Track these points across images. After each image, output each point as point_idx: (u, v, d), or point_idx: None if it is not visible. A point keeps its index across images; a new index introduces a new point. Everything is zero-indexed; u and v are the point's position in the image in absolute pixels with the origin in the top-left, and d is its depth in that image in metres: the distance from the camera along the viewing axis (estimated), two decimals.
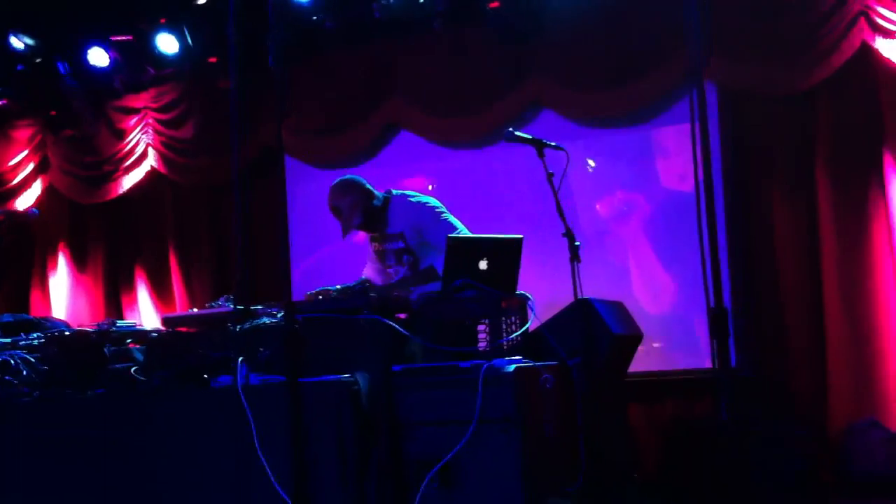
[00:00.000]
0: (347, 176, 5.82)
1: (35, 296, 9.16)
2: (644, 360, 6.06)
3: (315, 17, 7.67)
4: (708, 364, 6.69)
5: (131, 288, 8.85)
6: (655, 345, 6.95)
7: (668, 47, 6.70)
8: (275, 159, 8.09)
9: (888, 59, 6.26)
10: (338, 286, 5.25)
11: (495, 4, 7.28)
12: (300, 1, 7.50)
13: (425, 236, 5.49)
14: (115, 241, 9.04)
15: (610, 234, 7.34)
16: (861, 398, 6.41)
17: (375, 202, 5.64)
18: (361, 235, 5.92)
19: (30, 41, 8.37)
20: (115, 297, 8.93)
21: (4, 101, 8.96)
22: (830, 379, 6.50)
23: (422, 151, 7.90)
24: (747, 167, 6.91)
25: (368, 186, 5.67)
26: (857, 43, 6.30)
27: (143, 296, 8.79)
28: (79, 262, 9.12)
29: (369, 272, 5.82)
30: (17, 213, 8.39)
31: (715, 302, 3.10)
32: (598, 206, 7.36)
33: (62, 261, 9.15)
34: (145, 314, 8.70)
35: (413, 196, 5.68)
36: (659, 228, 7.17)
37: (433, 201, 5.64)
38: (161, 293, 8.73)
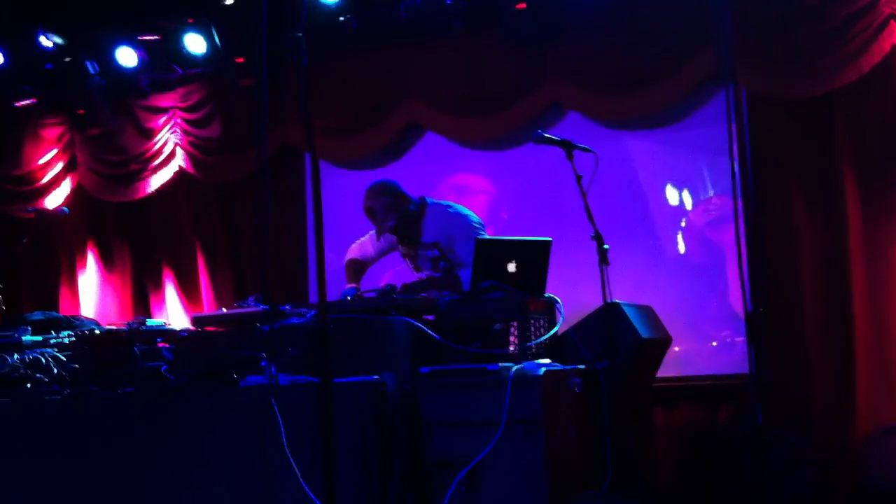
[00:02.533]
0: (383, 178, 5.86)
1: (64, 294, 9.21)
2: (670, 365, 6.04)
3: (341, 18, 7.71)
4: (726, 370, 6.79)
5: (159, 286, 8.90)
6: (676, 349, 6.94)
7: (691, 49, 6.70)
8: (294, 157, 8.17)
9: None
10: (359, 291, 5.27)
11: (521, 6, 7.28)
12: (326, 1, 7.51)
13: (455, 247, 5.49)
14: (143, 240, 9.08)
15: (640, 236, 7.31)
16: (886, 406, 6.35)
17: (411, 206, 5.65)
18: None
19: (59, 40, 8.44)
20: (143, 294, 8.98)
21: (34, 100, 9.02)
22: (856, 386, 6.42)
23: (448, 153, 7.90)
24: (772, 171, 6.85)
25: (403, 190, 5.69)
26: (886, 46, 6.25)
27: (171, 293, 8.84)
28: (107, 261, 9.18)
29: (356, 253, 5.83)
30: (47, 211, 8.47)
31: (752, 305, 3.08)
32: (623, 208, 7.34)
33: (91, 259, 9.20)
34: (173, 312, 8.75)
35: (451, 207, 5.68)
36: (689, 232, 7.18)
37: (471, 215, 5.64)
38: (188, 291, 8.77)
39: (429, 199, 5.74)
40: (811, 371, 6.60)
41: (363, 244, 6.16)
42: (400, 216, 5.61)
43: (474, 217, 5.67)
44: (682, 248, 7.21)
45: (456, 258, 5.55)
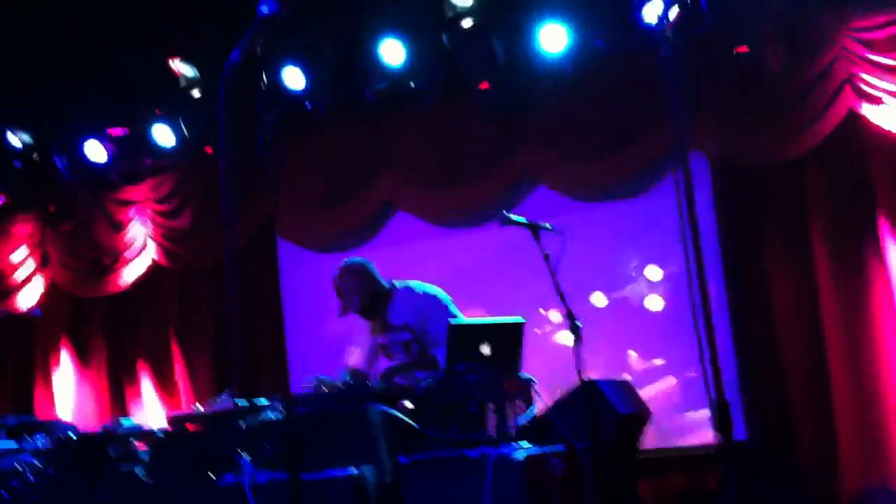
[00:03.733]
0: (357, 259, 5.85)
1: (39, 392, 9.10)
2: (652, 437, 6.02)
3: (308, 103, 7.77)
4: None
5: (134, 380, 8.81)
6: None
7: (656, 118, 6.79)
8: (269, 238, 8.17)
9: (875, 125, 6.32)
10: (325, 377, 5.21)
11: (485, 86, 7.39)
12: (292, 88, 7.57)
13: (428, 327, 5.48)
14: (117, 333, 9.02)
15: (610, 309, 7.35)
16: (870, 462, 6.35)
17: (379, 289, 5.64)
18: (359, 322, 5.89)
19: (27, 138, 8.46)
20: (119, 389, 8.88)
21: (3, 198, 9.01)
22: (838, 444, 6.44)
23: (420, 233, 7.92)
24: (743, 235, 6.93)
25: (375, 274, 5.68)
26: (843, 110, 6.37)
27: (147, 387, 8.75)
28: (81, 356, 9.10)
29: (356, 361, 5.77)
30: (18, 313, 8.40)
31: (717, 394, 3.06)
32: (596, 283, 7.37)
33: (65, 355, 9.11)
34: (150, 406, 8.66)
35: (418, 287, 5.68)
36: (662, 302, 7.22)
37: (440, 293, 5.63)
38: (164, 383, 8.69)
39: (397, 283, 5.74)
40: (798, 431, 6.64)
41: (357, 341, 6.03)
42: (367, 298, 5.60)
43: (442, 294, 5.66)
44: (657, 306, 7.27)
45: (430, 338, 5.52)
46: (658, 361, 7.16)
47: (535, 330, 7.28)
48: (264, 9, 3.48)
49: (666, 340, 7.05)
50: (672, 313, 7.06)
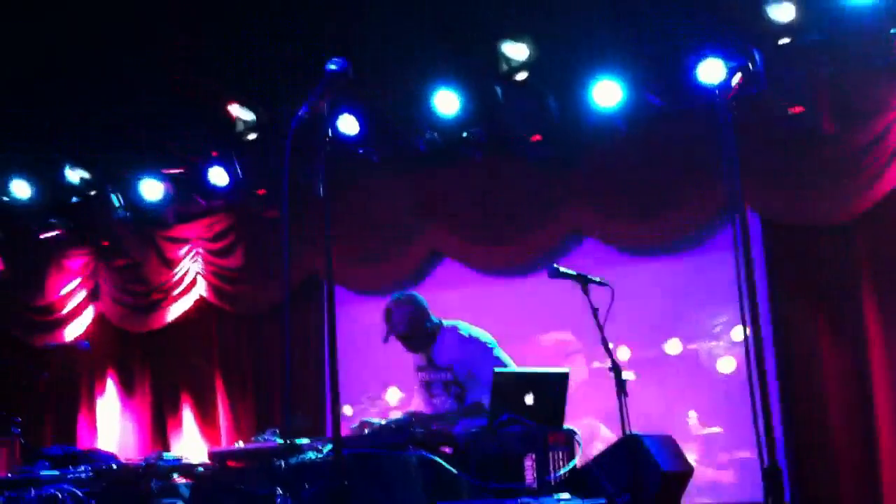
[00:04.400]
0: (411, 291, 5.91)
1: (82, 421, 9.23)
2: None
3: (361, 150, 7.87)
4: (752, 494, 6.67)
5: (177, 412, 8.91)
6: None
7: (705, 178, 6.79)
8: (318, 286, 8.23)
9: None
10: (382, 420, 5.25)
11: (537, 138, 7.43)
12: (347, 134, 7.68)
13: (474, 370, 5.48)
14: (162, 367, 9.15)
15: (654, 365, 7.30)
16: None
17: (428, 323, 5.66)
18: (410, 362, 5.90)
19: (84, 174, 8.64)
20: (162, 421, 8.99)
21: (59, 231, 9.19)
22: None
23: (464, 279, 7.96)
24: (793, 294, 6.87)
25: (426, 307, 5.71)
26: None
27: (189, 420, 8.83)
28: (126, 387, 9.24)
29: (417, 405, 5.81)
30: (67, 346, 8.53)
31: (769, 461, 3.01)
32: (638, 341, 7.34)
33: (110, 385, 9.27)
34: (190, 439, 8.72)
35: (464, 329, 5.69)
36: (700, 360, 7.15)
37: (485, 336, 5.64)
38: (206, 418, 8.78)
39: (445, 322, 5.76)
40: (840, 499, 6.50)
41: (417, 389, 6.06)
42: (413, 327, 5.62)
43: (487, 337, 5.66)
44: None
45: (477, 382, 5.52)
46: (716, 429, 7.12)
47: (596, 363, 7.28)
48: (333, 66, 3.57)
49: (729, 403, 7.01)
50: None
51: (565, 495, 4.57)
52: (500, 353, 5.55)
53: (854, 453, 6.53)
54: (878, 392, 6.44)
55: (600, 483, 4.74)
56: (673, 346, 7.32)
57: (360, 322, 7.39)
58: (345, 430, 5.05)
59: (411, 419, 5.26)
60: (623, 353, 7.29)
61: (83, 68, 8.17)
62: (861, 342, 6.55)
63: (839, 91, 6.53)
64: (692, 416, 7.19)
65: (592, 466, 4.87)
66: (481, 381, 5.37)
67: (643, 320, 7.22)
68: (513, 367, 5.45)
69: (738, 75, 3.74)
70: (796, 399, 6.72)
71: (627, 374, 7.00)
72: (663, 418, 6.93)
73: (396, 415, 6.19)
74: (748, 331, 3.43)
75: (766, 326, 6.70)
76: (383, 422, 5.30)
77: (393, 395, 8.10)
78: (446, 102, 7.39)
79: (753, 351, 3.30)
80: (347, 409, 8.07)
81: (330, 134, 3.82)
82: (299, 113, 3.49)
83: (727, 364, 7.15)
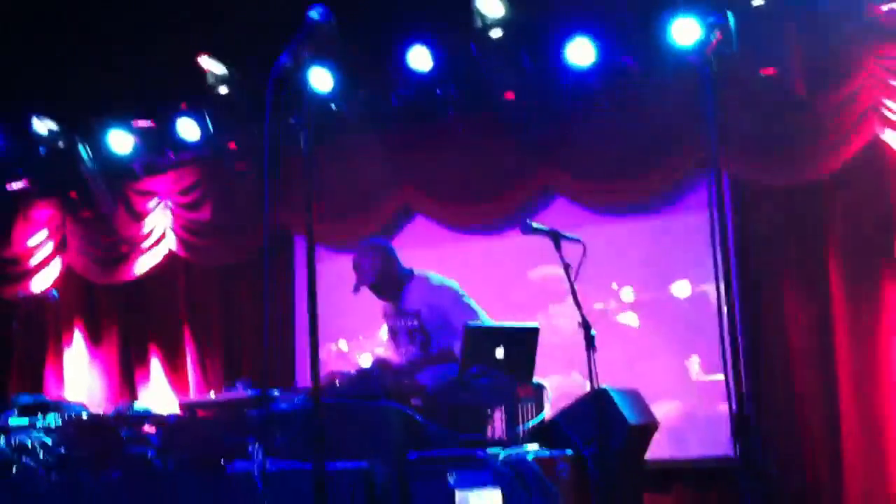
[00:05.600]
0: (380, 238, 5.92)
1: (49, 372, 9.21)
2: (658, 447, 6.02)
3: (333, 106, 7.84)
4: (721, 452, 6.79)
5: (145, 363, 8.91)
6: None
7: (678, 138, 6.83)
8: (285, 240, 8.22)
9: None
10: (353, 371, 5.31)
11: (510, 96, 7.44)
12: (319, 91, 7.64)
13: (445, 319, 5.52)
14: (130, 319, 9.13)
15: (659, 307, 7.35)
16: (875, 490, 6.36)
17: (397, 272, 5.69)
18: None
19: (52, 125, 8.55)
20: (129, 372, 9.00)
21: (25, 183, 9.10)
22: (844, 470, 6.46)
23: (437, 236, 7.99)
24: (760, 253, 6.97)
25: (395, 255, 5.73)
26: (867, 136, 6.41)
27: (157, 372, 8.84)
28: (94, 338, 9.23)
29: (385, 353, 5.86)
30: (35, 295, 8.49)
31: (738, 406, 3.08)
32: (611, 292, 7.39)
33: (77, 336, 9.24)
34: (158, 390, 8.74)
35: (434, 278, 5.72)
36: (671, 317, 7.21)
37: (454, 284, 5.67)
38: (174, 370, 8.80)
39: (416, 271, 5.78)
40: (806, 456, 6.67)
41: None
42: (382, 276, 5.64)
43: (455, 285, 5.70)
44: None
45: (447, 327, 5.55)
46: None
47: (599, 305, 7.31)
48: (314, 14, 3.53)
49: None
50: None
51: (533, 446, 4.65)
52: (468, 300, 5.59)
53: (817, 405, 6.68)
54: (839, 349, 6.58)
55: (568, 435, 4.82)
56: (681, 288, 7.25)
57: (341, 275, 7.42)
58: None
59: (377, 367, 5.31)
60: (627, 295, 7.35)
61: (52, 19, 8.08)
62: (826, 301, 6.67)
63: (810, 53, 6.57)
64: (694, 361, 7.20)
65: (560, 419, 4.94)
66: (451, 327, 5.41)
67: (650, 262, 7.28)
68: (485, 320, 5.49)
69: (717, 31, 3.73)
70: (761, 355, 6.83)
71: (627, 318, 7.24)
72: (663, 364, 7.04)
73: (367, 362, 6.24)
74: (721, 287, 3.47)
75: (735, 282, 6.78)
76: (352, 372, 5.37)
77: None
78: (420, 59, 7.37)
79: (725, 305, 3.35)
80: (343, 344, 8.11)
81: (307, 85, 3.80)
82: (280, 62, 3.46)
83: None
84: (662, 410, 6.80)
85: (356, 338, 8.18)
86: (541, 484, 4.27)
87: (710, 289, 7.00)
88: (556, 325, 7.04)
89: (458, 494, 4.25)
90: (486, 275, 7.60)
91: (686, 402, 7.07)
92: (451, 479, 4.26)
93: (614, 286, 7.38)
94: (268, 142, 3.80)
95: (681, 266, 7.19)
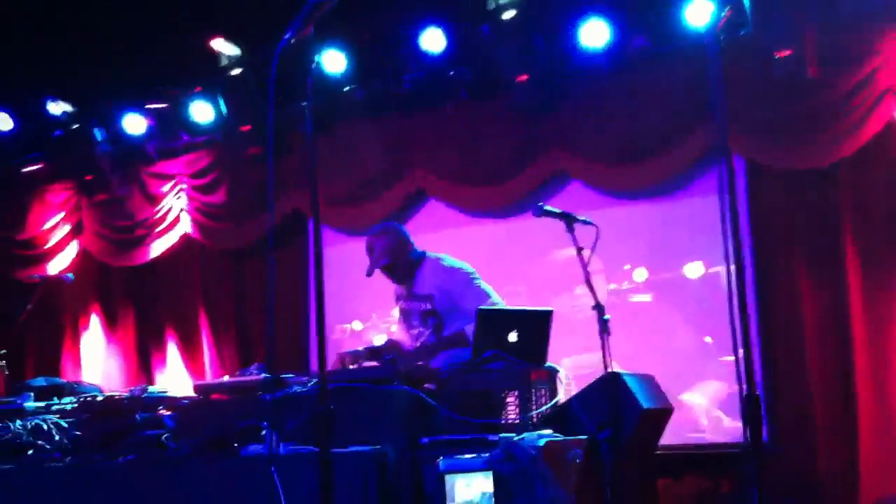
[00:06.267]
0: (392, 222, 5.93)
1: (66, 356, 9.27)
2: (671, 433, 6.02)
3: (346, 88, 7.83)
4: (734, 438, 6.77)
5: (161, 347, 8.95)
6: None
7: (690, 121, 6.80)
8: (301, 223, 8.23)
9: None
10: (362, 347, 5.33)
11: (523, 78, 7.41)
12: (332, 73, 7.63)
13: (457, 302, 5.53)
14: (146, 303, 9.18)
15: (638, 304, 7.34)
16: (890, 475, 6.33)
17: (409, 254, 5.70)
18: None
19: (67, 107, 8.58)
20: (146, 356, 9.03)
21: (41, 165, 9.14)
22: (860, 456, 6.41)
23: (450, 219, 7.99)
24: (775, 237, 6.93)
25: (408, 238, 5.74)
26: (883, 120, 6.35)
27: (173, 355, 8.89)
28: (110, 322, 9.27)
29: (397, 334, 5.88)
30: (51, 278, 8.51)
31: (748, 387, 3.08)
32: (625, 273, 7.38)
33: (94, 320, 9.29)
34: (174, 374, 8.79)
35: (446, 260, 5.73)
36: (686, 300, 7.19)
37: (467, 267, 5.67)
38: (190, 353, 8.83)
39: (429, 253, 5.79)
40: (820, 441, 6.62)
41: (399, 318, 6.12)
42: (395, 258, 5.66)
43: (468, 267, 5.70)
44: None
45: (459, 310, 5.56)
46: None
47: (612, 285, 7.33)
48: None
49: None
50: None
51: (547, 431, 4.65)
52: (481, 283, 5.59)
53: (831, 393, 6.63)
54: (856, 336, 6.52)
55: (581, 419, 4.82)
56: (694, 270, 7.22)
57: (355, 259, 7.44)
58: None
59: (389, 346, 5.31)
60: (640, 275, 7.33)
61: (67, 2, 8.10)
62: (841, 286, 6.61)
63: (826, 35, 6.51)
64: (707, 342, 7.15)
65: (574, 404, 4.94)
66: (464, 310, 5.41)
67: (665, 244, 7.27)
68: (498, 303, 5.49)
69: (728, 7, 3.71)
70: (774, 341, 6.80)
71: (642, 297, 7.22)
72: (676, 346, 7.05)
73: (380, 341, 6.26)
74: (733, 269, 3.46)
75: (749, 267, 6.76)
76: (361, 348, 5.42)
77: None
78: (432, 41, 7.35)
79: (736, 287, 3.34)
80: (357, 324, 8.11)
81: (315, 62, 3.79)
82: (284, 37, 3.46)
83: None
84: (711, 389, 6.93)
85: (370, 318, 8.19)
86: (539, 469, 4.27)
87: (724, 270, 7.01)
88: (584, 305, 7.05)
89: (447, 479, 4.25)
90: (512, 256, 7.61)
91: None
92: (441, 464, 4.26)
93: (626, 267, 7.36)
94: (272, 120, 3.79)
95: (696, 248, 7.16)
